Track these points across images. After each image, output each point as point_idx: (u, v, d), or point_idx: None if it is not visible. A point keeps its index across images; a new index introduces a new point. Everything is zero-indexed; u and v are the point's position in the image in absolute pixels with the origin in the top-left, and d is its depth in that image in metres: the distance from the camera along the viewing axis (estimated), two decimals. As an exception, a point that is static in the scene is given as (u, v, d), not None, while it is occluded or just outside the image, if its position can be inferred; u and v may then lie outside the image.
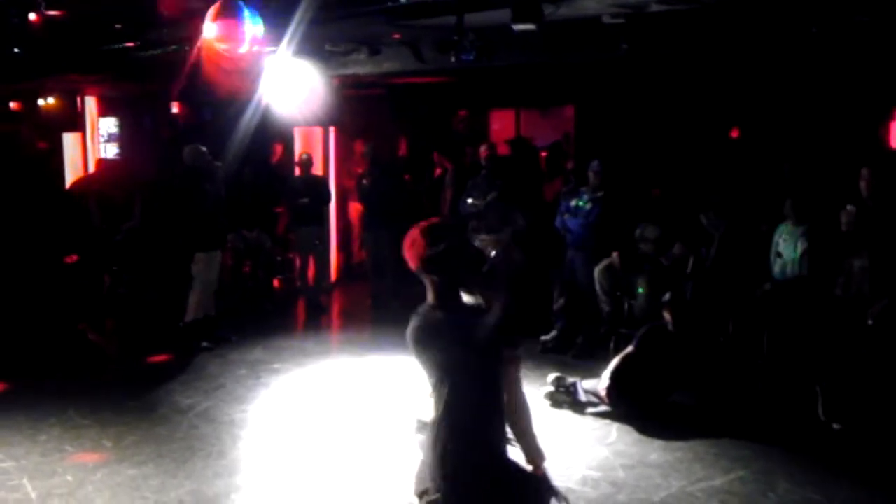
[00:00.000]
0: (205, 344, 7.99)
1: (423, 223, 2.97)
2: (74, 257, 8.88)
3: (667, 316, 6.44)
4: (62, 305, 8.68)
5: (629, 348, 6.39)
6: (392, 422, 6.12)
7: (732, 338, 6.98)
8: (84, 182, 9.94)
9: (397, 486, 5.08)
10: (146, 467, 5.38)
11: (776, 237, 6.96)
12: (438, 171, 10.93)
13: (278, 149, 11.11)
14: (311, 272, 9.90)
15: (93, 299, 8.98)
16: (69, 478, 5.22)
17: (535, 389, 6.61)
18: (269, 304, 9.90)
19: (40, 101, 10.82)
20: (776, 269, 6.89)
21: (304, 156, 9.89)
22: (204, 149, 8.08)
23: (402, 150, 12.40)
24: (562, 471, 5.33)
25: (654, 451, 5.64)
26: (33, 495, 4.98)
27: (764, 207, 7.41)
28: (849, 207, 6.32)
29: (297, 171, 9.85)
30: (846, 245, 6.37)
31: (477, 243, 8.40)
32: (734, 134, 10.56)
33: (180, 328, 8.12)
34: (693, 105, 10.24)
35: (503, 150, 10.65)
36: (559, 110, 12.49)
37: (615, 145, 9.98)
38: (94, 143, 11.26)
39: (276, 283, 10.44)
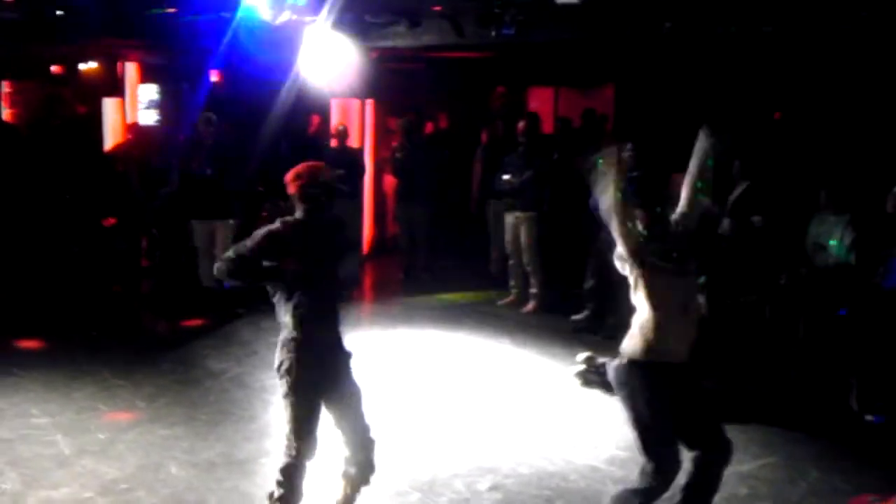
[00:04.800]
0: (238, 310, 8.06)
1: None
2: (112, 220, 8.97)
3: (700, 299, 6.36)
4: (99, 267, 8.79)
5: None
6: (419, 394, 6.14)
7: (768, 323, 6.89)
8: (123, 147, 10.02)
9: (423, 455, 5.11)
10: (178, 428, 5.46)
11: (813, 228, 6.74)
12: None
13: (315, 120, 11.10)
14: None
15: (129, 262, 9.09)
16: (101, 436, 5.32)
17: (566, 368, 6.61)
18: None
19: (81, 66, 10.89)
20: (818, 261, 6.64)
21: (341, 127, 9.87)
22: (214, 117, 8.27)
23: (442, 123, 12.33)
24: (590, 449, 5.33)
25: (683, 433, 5.59)
26: (66, 451, 5.08)
27: (801, 192, 7.24)
28: (895, 190, 6.15)
29: (334, 143, 9.86)
30: (889, 232, 6.22)
31: (510, 219, 8.45)
32: (776, 116, 10.36)
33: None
34: (736, 86, 10.06)
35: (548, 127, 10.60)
36: (599, 90, 12.33)
37: (655, 126, 9.85)
38: (134, 108, 11.32)
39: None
